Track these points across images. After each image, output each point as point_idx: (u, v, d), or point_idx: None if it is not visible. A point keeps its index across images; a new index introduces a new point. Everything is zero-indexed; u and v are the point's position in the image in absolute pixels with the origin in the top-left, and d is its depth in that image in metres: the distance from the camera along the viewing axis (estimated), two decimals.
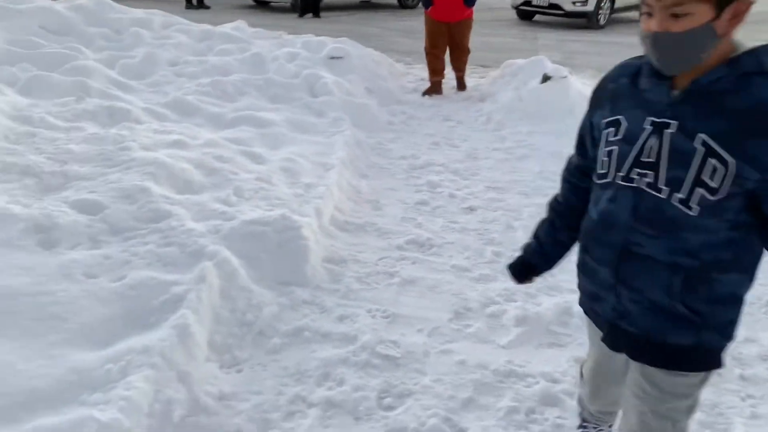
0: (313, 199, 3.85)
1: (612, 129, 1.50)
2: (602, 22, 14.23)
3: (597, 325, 1.68)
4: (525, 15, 15.28)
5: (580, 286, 1.69)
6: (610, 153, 1.50)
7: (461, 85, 7.64)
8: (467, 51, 7.47)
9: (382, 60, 7.98)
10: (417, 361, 2.61)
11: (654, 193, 1.42)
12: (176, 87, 5.84)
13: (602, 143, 1.53)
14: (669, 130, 1.39)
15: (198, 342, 2.46)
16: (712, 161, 1.33)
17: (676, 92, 1.40)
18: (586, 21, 14.12)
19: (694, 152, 1.35)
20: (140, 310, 2.57)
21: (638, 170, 1.44)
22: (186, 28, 8.06)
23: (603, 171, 1.52)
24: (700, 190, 1.36)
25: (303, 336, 2.73)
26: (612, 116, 1.51)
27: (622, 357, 1.67)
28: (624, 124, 1.47)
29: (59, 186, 3.43)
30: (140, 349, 2.28)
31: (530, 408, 2.36)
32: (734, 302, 1.48)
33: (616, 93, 1.53)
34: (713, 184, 1.35)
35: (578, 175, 1.73)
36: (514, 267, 1.91)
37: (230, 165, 4.09)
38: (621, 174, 1.47)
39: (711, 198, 1.36)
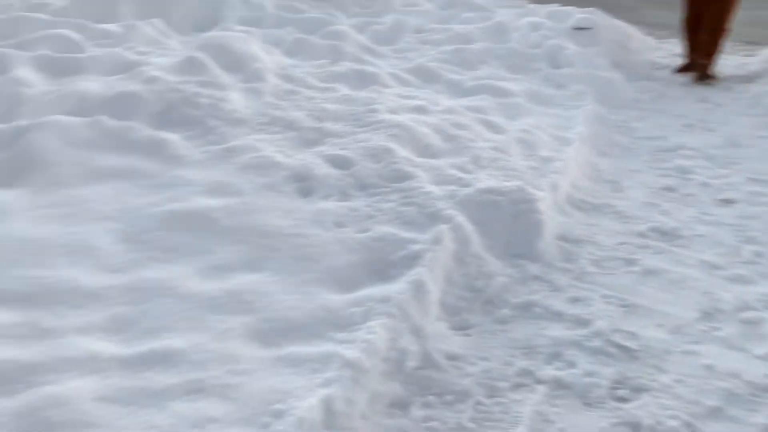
0: (549, 173, 3.74)
1: None
2: None
3: None
4: None
5: None
6: None
7: (703, 74, 6.33)
8: (722, 31, 6.24)
9: (632, 32, 7.44)
10: (656, 357, 2.42)
11: None
12: (420, 54, 6.01)
13: None
14: None
15: (432, 300, 2.54)
16: None
17: None
18: None
19: None
20: (381, 262, 2.71)
21: None
22: None
23: None
24: None
25: (533, 311, 2.68)
26: None
27: None
28: None
29: (316, 141, 3.73)
30: (380, 298, 2.42)
31: None
32: None
33: None
34: None
35: None
36: None
37: (468, 132, 4.12)
38: None
39: None
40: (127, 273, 2.45)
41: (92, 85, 3.99)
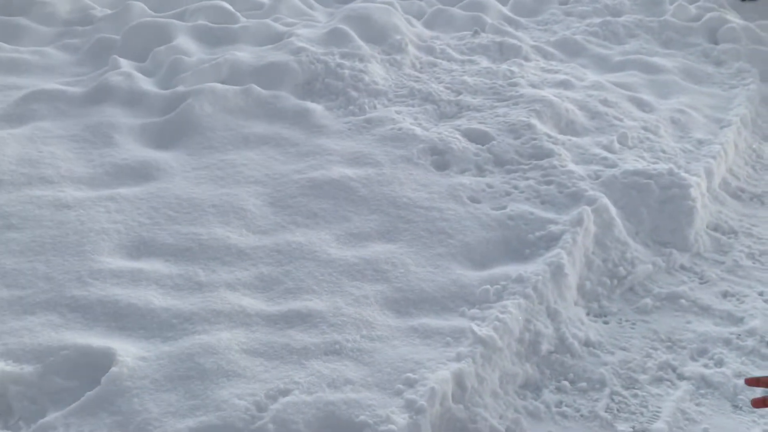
0: (703, 157, 3.47)
1: None
2: None
3: None
4: None
5: None
6: None
7: None
8: None
9: None
10: None
11: None
12: (564, 26, 5.75)
13: None
14: None
15: (569, 284, 2.46)
16: None
17: None
18: None
19: None
20: (516, 240, 2.66)
21: None
22: None
23: None
24: None
25: (678, 303, 2.53)
26: None
27: None
28: None
29: (453, 114, 3.70)
30: (515, 278, 2.38)
31: None
32: None
33: None
34: None
35: None
36: None
37: (615, 110, 3.91)
38: None
39: None
40: (273, 235, 2.59)
41: (244, 54, 4.19)
